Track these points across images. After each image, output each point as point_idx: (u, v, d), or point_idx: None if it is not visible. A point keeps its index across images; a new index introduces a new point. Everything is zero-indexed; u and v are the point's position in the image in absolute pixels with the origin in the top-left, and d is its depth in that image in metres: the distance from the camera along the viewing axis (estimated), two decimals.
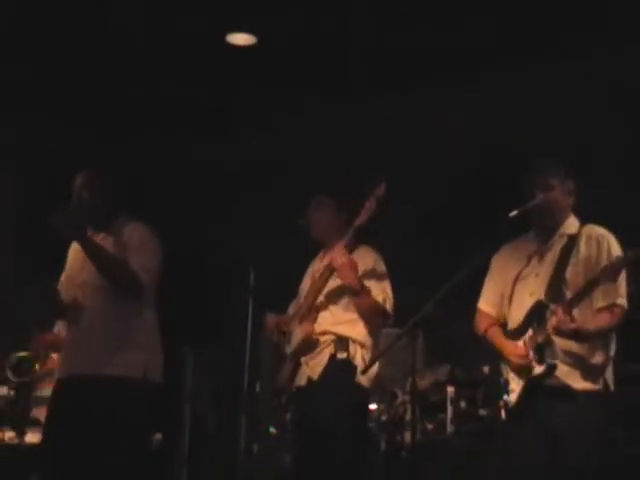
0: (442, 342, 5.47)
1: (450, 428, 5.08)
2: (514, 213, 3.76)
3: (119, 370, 4.06)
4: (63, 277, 4.32)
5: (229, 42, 5.82)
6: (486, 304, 3.98)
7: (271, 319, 4.53)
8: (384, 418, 5.32)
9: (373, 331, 4.29)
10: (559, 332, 3.57)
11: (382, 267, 4.32)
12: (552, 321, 3.57)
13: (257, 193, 6.62)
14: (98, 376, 4.04)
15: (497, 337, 3.85)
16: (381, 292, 4.25)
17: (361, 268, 4.22)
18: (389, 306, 4.25)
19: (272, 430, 5.94)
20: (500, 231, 3.95)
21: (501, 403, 3.72)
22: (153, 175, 6.84)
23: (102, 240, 4.21)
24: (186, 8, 5.35)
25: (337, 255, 4.15)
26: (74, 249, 4.30)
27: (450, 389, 5.08)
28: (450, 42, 5.55)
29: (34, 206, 4.69)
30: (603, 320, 3.66)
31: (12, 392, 5.24)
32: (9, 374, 5.16)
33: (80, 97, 6.40)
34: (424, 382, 5.27)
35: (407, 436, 5.14)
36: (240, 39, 5.80)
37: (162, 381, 4.22)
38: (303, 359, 4.28)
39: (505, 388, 3.72)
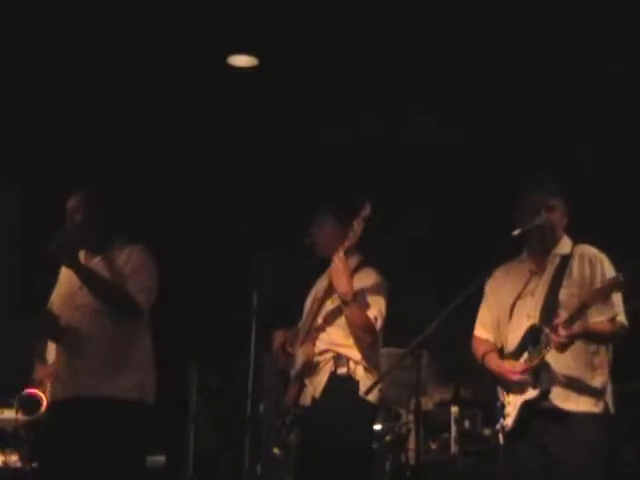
0: (447, 362, 5.46)
1: (454, 448, 5.06)
2: (517, 232, 3.77)
3: (117, 392, 4.05)
4: (55, 298, 4.30)
5: (230, 63, 5.86)
6: (482, 330, 4.00)
7: (279, 336, 4.51)
8: (388, 438, 5.31)
9: (366, 352, 4.27)
10: (565, 343, 3.56)
11: (382, 288, 4.29)
12: (555, 337, 3.56)
13: (260, 212, 6.62)
14: (95, 398, 4.03)
15: (493, 361, 3.87)
16: (375, 310, 4.21)
17: (361, 285, 4.21)
18: (379, 325, 4.21)
19: (276, 451, 5.91)
20: (502, 250, 3.96)
21: (498, 427, 3.72)
22: (153, 194, 6.85)
23: (98, 264, 4.20)
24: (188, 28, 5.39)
25: (334, 262, 4.16)
26: (67, 271, 4.29)
27: (454, 409, 5.07)
28: (450, 56, 5.58)
29: (37, 222, 4.70)
30: (605, 325, 3.67)
31: (21, 431, 5.20)
32: (19, 414, 5.13)
33: (79, 115, 6.42)
34: (428, 402, 5.25)
35: (411, 456, 5.12)
36: (241, 60, 5.84)
37: (166, 402, 4.22)
38: (306, 380, 4.27)
39: (501, 412, 3.73)
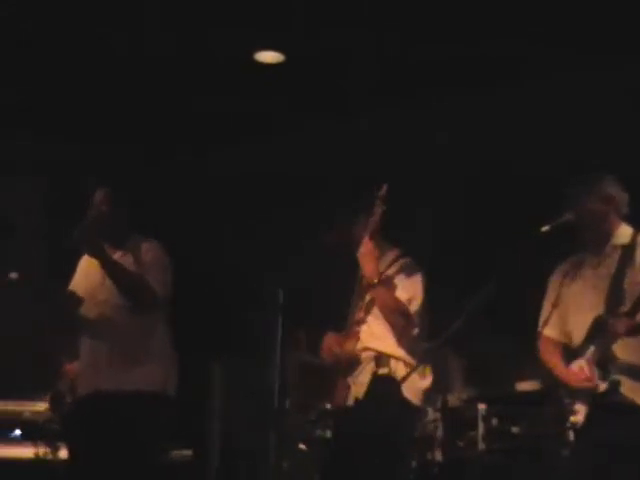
0: (474, 358, 5.44)
1: (481, 445, 5.03)
2: (545, 228, 3.75)
3: (140, 385, 4.13)
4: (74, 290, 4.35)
5: (257, 59, 5.86)
6: (549, 329, 3.90)
7: (329, 338, 4.47)
8: (415, 435, 5.29)
9: (405, 343, 4.23)
10: (631, 332, 3.52)
11: (417, 275, 4.25)
12: (618, 327, 3.52)
13: (287, 209, 6.62)
14: (120, 392, 4.10)
15: (558, 368, 3.81)
16: (407, 293, 4.18)
17: (396, 271, 4.20)
18: (413, 307, 4.17)
19: (301, 447, 5.92)
20: (531, 246, 3.93)
21: (568, 424, 3.68)
22: (181, 191, 6.88)
23: (120, 258, 4.28)
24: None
25: (362, 245, 4.16)
26: (86, 265, 4.34)
27: (481, 406, 5.04)
28: (479, 52, 5.55)
29: (63, 214, 4.74)
30: None
31: (52, 424, 5.25)
32: (49, 407, 5.18)
33: (105, 114, 6.45)
34: (455, 399, 5.23)
35: (438, 453, 5.10)
36: (268, 57, 5.85)
37: (191, 396, 4.26)
38: (350, 379, 4.26)
39: (570, 409, 3.68)
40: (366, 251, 4.13)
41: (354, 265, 4.29)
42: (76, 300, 4.27)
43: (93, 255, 4.16)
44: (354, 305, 4.37)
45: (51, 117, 6.43)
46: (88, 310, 4.26)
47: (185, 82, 6.08)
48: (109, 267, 4.14)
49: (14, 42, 5.50)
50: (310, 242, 5.18)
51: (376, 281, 4.11)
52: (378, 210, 4.10)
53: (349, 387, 4.21)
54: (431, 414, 5.15)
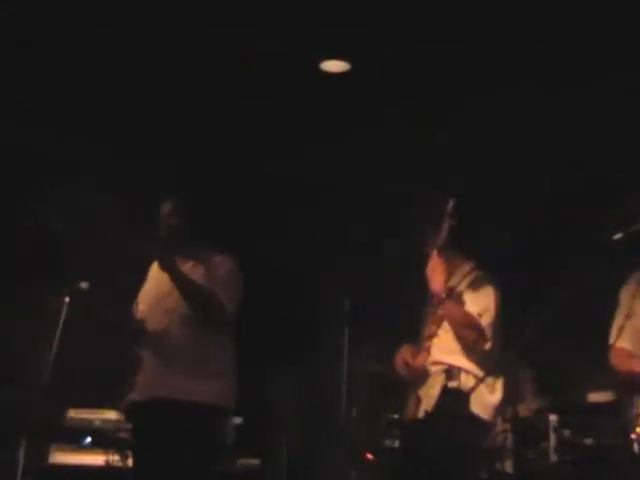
0: (544, 368, 5.36)
1: (553, 457, 4.94)
2: (618, 236, 3.68)
3: (200, 397, 4.15)
4: (142, 300, 4.38)
5: (322, 69, 5.86)
6: (622, 341, 3.87)
7: (405, 351, 4.44)
8: (484, 447, 5.22)
9: (477, 356, 4.19)
10: None
11: (490, 289, 4.23)
12: None
13: (354, 217, 6.61)
14: (178, 401, 4.13)
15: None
16: (478, 307, 4.16)
17: (468, 286, 4.17)
18: (485, 321, 4.14)
19: (369, 456, 5.90)
20: (603, 254, 3.86)
21: (633, 436, 3.62)
22: (244, 195, 6.90)
23: (191, 269, 4.31)
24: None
25: (430, 261, 4.12)
26: (156, 273, 4.37)
27: (553, 417, 4.95)
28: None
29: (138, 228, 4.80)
30: None
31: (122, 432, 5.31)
32: (119, 415, 5.24)
33: (172, 126, 6.49)
34: (525, 409, 5.15)
35: (508, 465, 5.03)
36: (333, 66, 5.84)
37: (258, 405, 4.28)
38: (420, 392, 4.23)
39: (637, 420, 3.61)
40: (433, 266, 4.11)
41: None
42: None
43: (164, 269, 4.19)
44: (426, 318, 4.35)
45: (127, 131, 6.51)
46: (155, 317, 4.29)
47: (252, 90, 6.11)
48: (180, 282, 4.17)
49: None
50: (377, 251, 5.17)
51: (444, 296, 4.09)
52: (446, 225, 4.08)
53: (420, 400, 4.18)
54: (500, 425, 5.08)
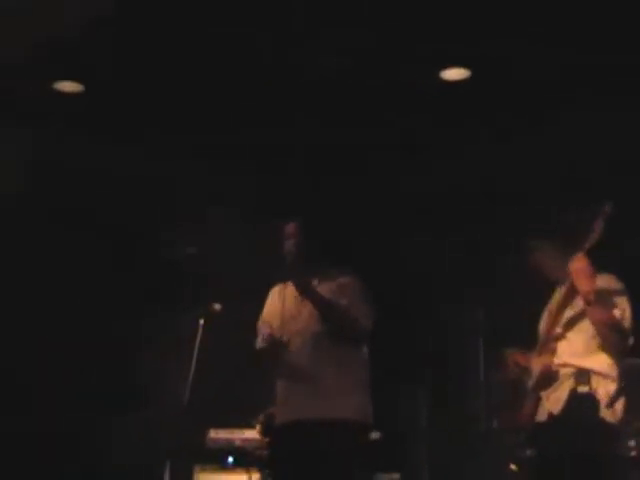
0: None
1: None
2: None
3: (343, 414, 4.17)
4: (270, 323, 4.42)
5: (443, 78, 5.82)
6: None
7: (512, 355, 4.42)
8: (617, 454, 5.04)
9: (615, 359, 4.09)
10: None
11: (624, 292, 4.12)
12: None
13: (481, 225, 6.53)
14: (321, 420, 4.15)
15: None
16: (619, 308, 4.04)
17: (599, 284, 4.07)
18: (627, 324, 4.03)
19: (513, 467, 5.80)
20: None
21: None
22: (366, 214, 6.90)
23: (317, 287, 4.33)
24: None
25: (576, 262, 4.03)
26: (280, 295, 4.42)
27: None
28: None
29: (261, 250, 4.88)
30: None
31: (262, 450, 5.38)
32: (259, 433, 5.31)
33: (293, 145, 6.53)
34: None
35: None
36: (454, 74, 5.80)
37: (397, 419, 4.27)
38: (543, 393, 4.15)
39: None
40: (582, 267, 4.01)
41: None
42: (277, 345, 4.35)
43: (302, 293, 4.25)
44: (546, 321, 4.27)
45: (255, 157, 6.62)
46: (286, 340, 4.32)
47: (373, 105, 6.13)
48: (318, 302, 4.22)
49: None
50: (509, 259, 5.09)
51: (592, 298, 3.99)
52: (598, 228, 3.98)
53: (539, 400, 4.10)
54: (633, 432, 4.92)
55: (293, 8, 4.96)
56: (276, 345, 4.32)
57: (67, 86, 5.86)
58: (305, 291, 4.22)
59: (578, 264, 3.99)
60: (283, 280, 4.43)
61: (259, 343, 4.41)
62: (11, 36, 5.09)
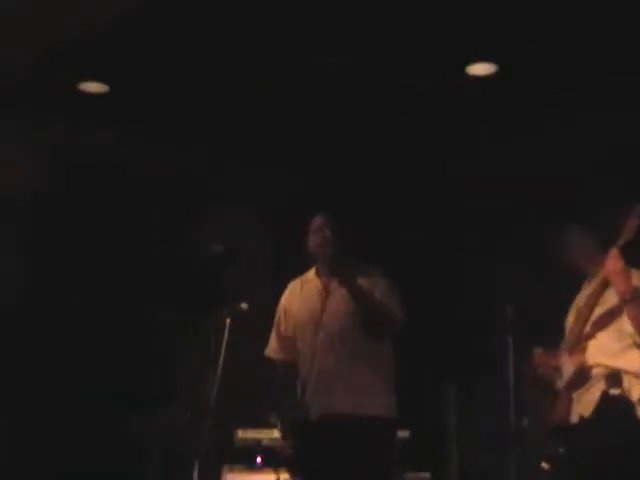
0: None
1: None
2: None
3: (373, 410, 4.20)
4: (293, 320, 4.44)
5: (469, 72, 5.76)
6: None
7: (539, 354, 4.37)
8: None
9: None
10: None
11: None
12: None
13: (515, 219, 6.46)
14: (349, 416, 4.16)
15: None
16: None
17: (634, 282, 4.01)
18: None
19: (544, 465, 5.74)
20: None
21: None
22: (396, 210, 6.87)
23: None
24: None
25: (610, 260, 3.97)
26: (302, 291, 4.44)
27: None
28: None
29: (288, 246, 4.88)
30: None
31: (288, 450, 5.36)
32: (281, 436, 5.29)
33: (324, 138, 6.54)
34: None
35: None
36: (480, 69, 5.73)
37: (427, 419, 4.26)
38: (574, 394, 4.09)
39: None
40: (615, 265, 3.95)
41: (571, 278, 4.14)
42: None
43: (344, 284, 4.22)
44: (574, 320, 4.21)
45: (277, 146, 6.60)
46: (311, 338, 4.33)
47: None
48: (358, 293, 4.21)
49: None
50: (542, 256, 5.04)
51: (628, 297, 3.93)
52: (632, 225, 3.93)
53: (571, 401, 4.05)
54: None
55: (293, 8, 4.97)
56: (287, 368, 4.42)
57: (92, 86, 5.92)
58: (349, 283, 4.19)
59: (614, 262, 3.94)
60: (325, 274, 4.39)
61: (270, 352, 4.51)
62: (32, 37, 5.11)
